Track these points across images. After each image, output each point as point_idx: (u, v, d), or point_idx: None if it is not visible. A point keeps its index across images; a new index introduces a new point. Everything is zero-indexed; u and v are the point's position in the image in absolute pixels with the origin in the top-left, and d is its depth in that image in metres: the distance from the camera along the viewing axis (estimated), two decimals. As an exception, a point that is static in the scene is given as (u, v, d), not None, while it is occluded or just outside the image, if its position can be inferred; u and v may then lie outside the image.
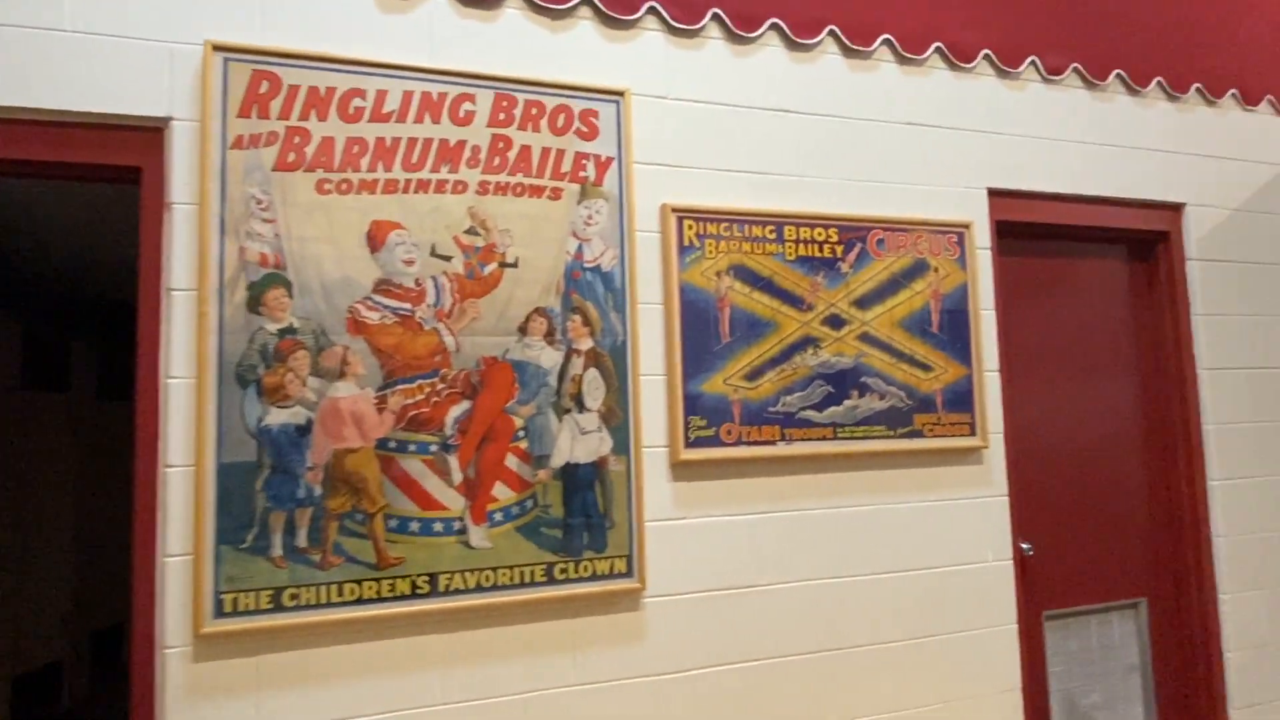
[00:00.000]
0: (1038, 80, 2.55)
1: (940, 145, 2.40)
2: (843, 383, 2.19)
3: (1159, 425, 2.71)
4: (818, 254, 2.21)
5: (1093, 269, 2.73)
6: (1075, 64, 2.58)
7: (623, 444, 1.95)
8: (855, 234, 2.25)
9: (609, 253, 2.00)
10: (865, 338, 2.22)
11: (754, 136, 2.20)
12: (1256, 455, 2.69)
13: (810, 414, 2.16)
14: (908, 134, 2.37)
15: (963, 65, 2.44)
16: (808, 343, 2.17)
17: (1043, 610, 2.50)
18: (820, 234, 2.22)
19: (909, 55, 2.37)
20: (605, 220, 2.01)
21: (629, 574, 1.93)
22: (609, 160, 2.03)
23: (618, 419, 1.96)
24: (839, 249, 2.23)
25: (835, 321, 2.20)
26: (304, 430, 1.69)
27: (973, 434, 2.31)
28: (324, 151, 1.76)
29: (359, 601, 1.70)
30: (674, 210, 2.07)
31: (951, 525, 2.29)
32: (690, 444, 2.02)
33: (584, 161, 2.00)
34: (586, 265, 1.98)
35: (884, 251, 2.27)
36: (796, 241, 2.19)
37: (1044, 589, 2.51)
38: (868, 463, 2.21)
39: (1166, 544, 2.68)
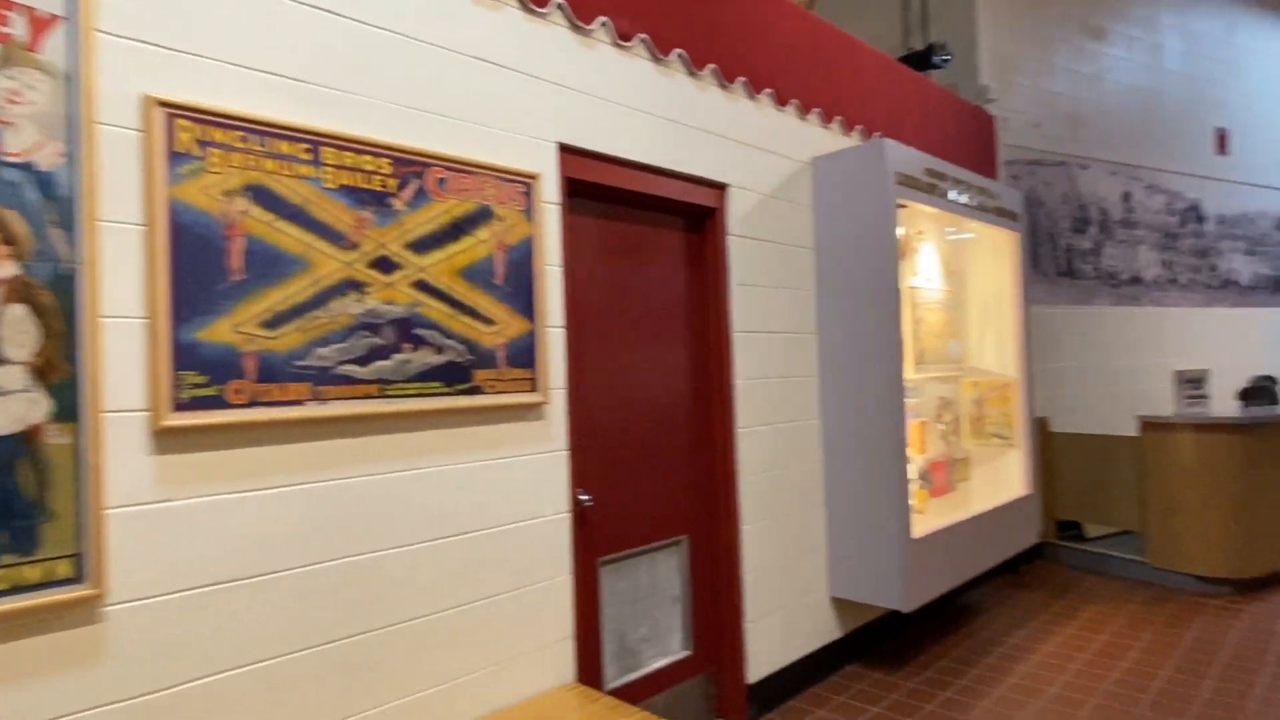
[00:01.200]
0: (608, 43, 2.59)
1: (514, 90, 2.29)
2: (393, 334, 1.96)
3: (702, 381, 3.03)
4: (366, 185, 1.93)
5: (655, 236, 2.91)
6: (642, 34, 2.68)
7: (69, 408, 1.46)
8: (413, 169, 2.01)
9: (50, 147, 1.46)
10: (421, 285, 2.02)
11: (293, 32, 1.82)
12: (770, 406, 3.17)
13: (352, 369, 1.88)
14: (479, 71, 2.20)
15: (535, 8, 2.35)
16: (350, 286, 1.89)
17: (598, 556, 2.61)
18: (370, 163, 1.93)
19: (480, -17, 2.20)
20: (46, 102, 1.46)
21: (78, 579, 1.46)
22: (52, 19, 1.47)
23: (62, 374, 1.45)
24: (393, 183, 1.97)
25: (386, 264, 1.95)
26: None
27: (534, 390, 2.27)
28: None
29: None
30: (163, 105, 1.60)
31: (511, 483, 2.23)
32: (181, 406, 1.60)
33: (7, 14, 1.42)
34: (8, 159, 1.41)
35: (446, 193, 2.08)
36: (339, 168, 1.88)
37: (601, 536, 2.62)
38: (421, 422, 2.02)
39: (704, 485, 3.02)
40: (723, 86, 3.03)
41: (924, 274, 4.21)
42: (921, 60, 4.74)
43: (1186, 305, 6.28)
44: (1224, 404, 4.98)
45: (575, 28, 2.48)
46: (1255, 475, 4.29)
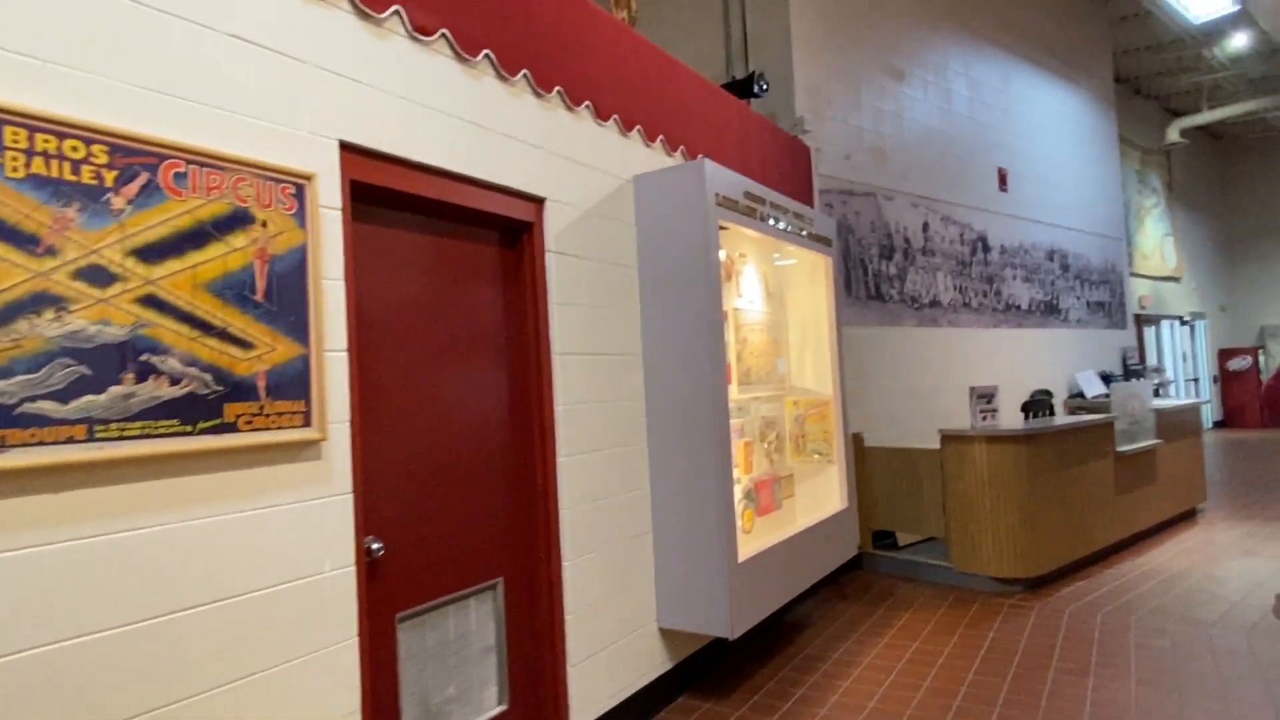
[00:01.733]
0: (403, 35, 2.34)
1: (285, 78, 1.97)
2: (109, 362, 1.58)
3: (519, 407, 2.81)
4: (70, 177, 1.54)
5: (467, 251, 2.67)
6: (444, 29, 2.45)
7: None
8: (141, 159, 1.65)
9: None
10: (150, 301, 1.65)
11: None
12: (595, 431, 3.01)
13: (46, 406, 1.48)
14: (241, 52, 1.87)
15: (311, -14, 2.05)
16: (44, 302, 1.49)
17: (396, 612, 2.30)
18: (77, 149, 1.55)
19: (238, -51, 1.87)
20: None
21: None
22: None
23: None
24: (110, 175, 1.60)
25: (99, 275, 1.57)
26: None
27: (308, 425, 1.94)
28: None
29: None
30: None
31: (278, 537, 1.88)
32: None
33: None
34: None
35: (186, 190, 1.73)
36: (29, 152, 1.49)
37: (400, 588, 2.31)
38: (149, 470, 1.64)
39: (522, 521, 2.78)
40: (538, 95, 2.86)
41: (747, 296, 4.26)
42: (743, 88, 4.86)
43: (978, 326, 6.91)
44: (1011, 417, 5.48)
45: (363, 15, 2.21)
46: (1036, 482, 4.71)
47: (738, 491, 3.95)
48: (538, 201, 2.85)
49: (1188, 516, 6.48)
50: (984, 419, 4.84)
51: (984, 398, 4.84)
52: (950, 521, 4.87)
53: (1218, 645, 3.64)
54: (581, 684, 2.83)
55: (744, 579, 3.24)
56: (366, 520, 2.19)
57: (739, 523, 3.89)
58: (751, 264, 4.34)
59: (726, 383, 3.23)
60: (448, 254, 2.60)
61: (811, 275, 4.61)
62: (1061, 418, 5.43)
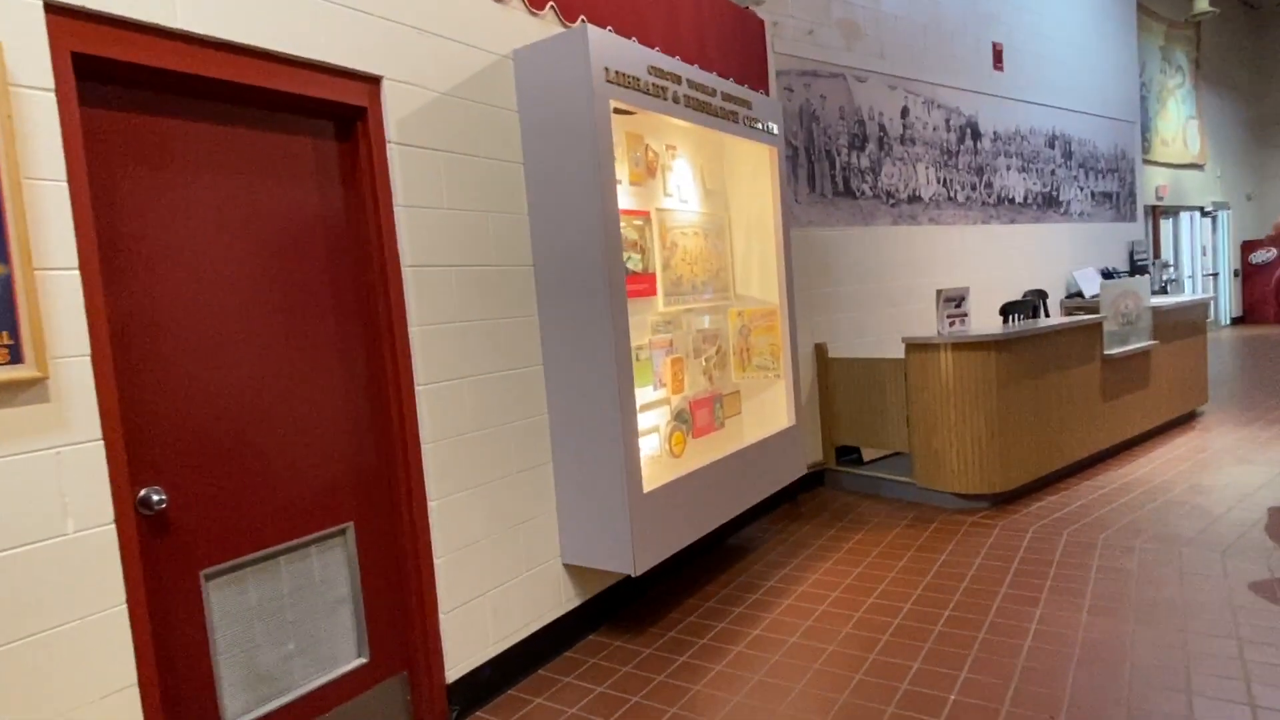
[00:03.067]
0: None
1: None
2: None
3: (361, 330, 2.43)
4: None
5: (279, 145, 2.23)
6: None
7: None
8: None
9: None
10: None
11: None
12: (468, 355, 2.64)
13: None
14: None
15: None
16: None
17: (201, 569, 2.01)
18: None
19: None
20: None
21: None
22: None
23: None
24: None
25: None
26: None
27: (16, 361, 1.58)
28: None
29: None
30: None
31: (-10, 497, 1.56)
32: None
33: None
34: None
35: None
36: None
37: (203, 543, 2.01)
38: None
39: (375, 460, 2.46)
40: (365, -53, 2.34)
41: (679, 194, 3.78)
42: (679, -49, 4.20)
43: (964, 223, 6.36)
44: (993, 322, 5.03)
45: None
46: (1008, 391, 4.32)
47: (664, 413, 3.61)
48: (371, 81, 2.38)
49: (1184, 421, 6.09)
50: (952, 324, 4.41)
51: (952, 301, 4.39)
52: (914, 435, 4.52)
53: (1187, 566, 3.32)
54: (459, 629, 2.58)
55: (653, 509, 2.93)
56: (139, 471, 1.86)
57: (665, 446, 3.57)
58: (685, 158, 3.85)
59: (626, 293, 2.82)
60: (257, 150, 2.17)
61: (754, 168, 4.11)
62: (1051, 320, 4.98)
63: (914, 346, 4.46)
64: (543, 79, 2.80)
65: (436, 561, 2.52)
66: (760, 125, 3.85)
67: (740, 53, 4.41)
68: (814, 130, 5.07)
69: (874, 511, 4.49)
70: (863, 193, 5.42)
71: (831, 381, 5.02)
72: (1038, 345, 4.49)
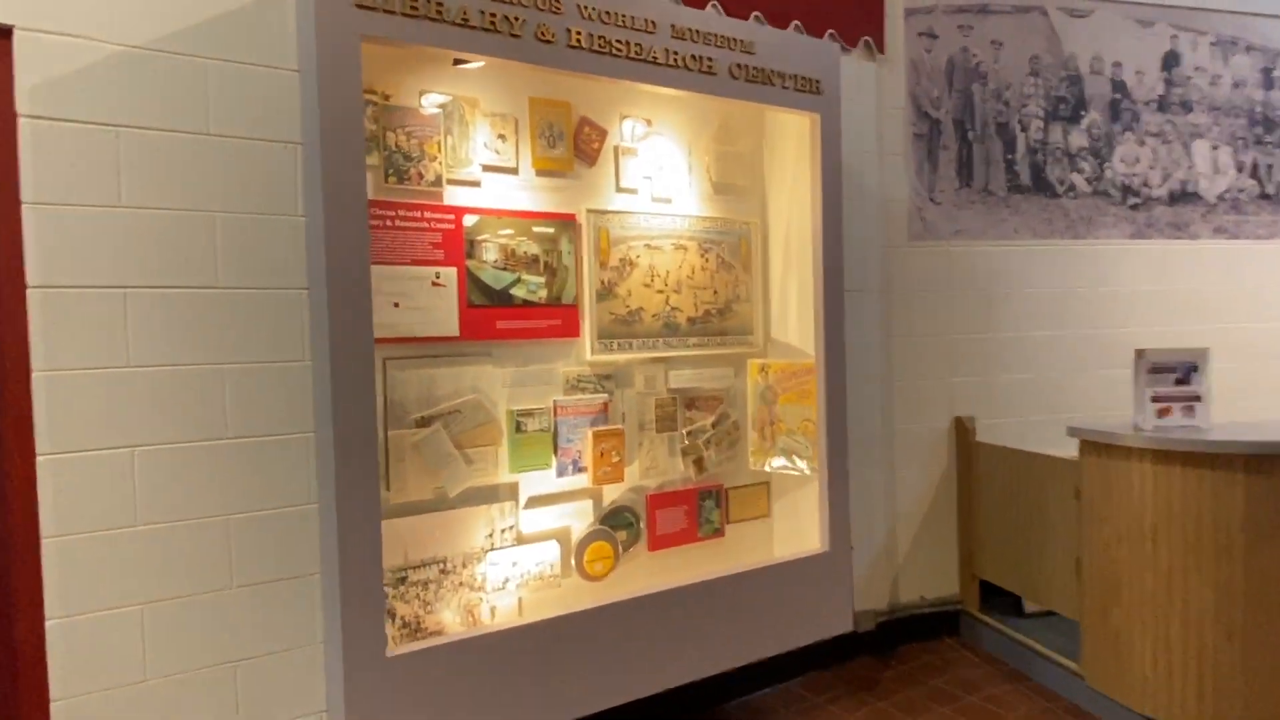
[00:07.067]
0: None
1: None
2: None
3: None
4: None
5: None
6: None
7: None
8: None
9: None
10: None
11: None
12: (135, 413, 1.86)
13: None
14: None
15: None
16: None
17: None
18: None
19: None
20: None
21: None
22: None
23: None
24: None
25: None
26: None
27: None
28: None
29: None
30: None
31: None
32: None
33: None
34: None
35: None
36: None
37: None
38: None
39: (-20, 550, 1.79)
40: None
41: (648, 191, 2.58)
42: None
43: (1303, 236, 3.87)
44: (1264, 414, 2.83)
45: None
46: (1266, 550, 2.26)
47: (584, 510, 2.44)
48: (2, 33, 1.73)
49: None
50: (1164, 414, 2.46)
51: (1165, 372, 2.46)
52: (1085, 595, 2.64)
53: None
54: (91, 807, 1.80)
55: (411, 682, 1.85)
56: None
57: (575, 561, 2.40)
58: (673, 139, 2.63)
59: (371, 340, 1.81)
60: None
61: (801, 154, 2.69)
62: None
63: (1091, 446, 2.59)
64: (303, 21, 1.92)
65: (53, 705, 1.78)
66: (776, 81, 2.47)
67: (821, -16, 2.98)
68: (975, 94, 3.35)
69: (1009, 703, 2.71)
70: (1072, 187, 3.48)
71: (977, 476, 3.25)
72: (1367, 469, 2.30)
